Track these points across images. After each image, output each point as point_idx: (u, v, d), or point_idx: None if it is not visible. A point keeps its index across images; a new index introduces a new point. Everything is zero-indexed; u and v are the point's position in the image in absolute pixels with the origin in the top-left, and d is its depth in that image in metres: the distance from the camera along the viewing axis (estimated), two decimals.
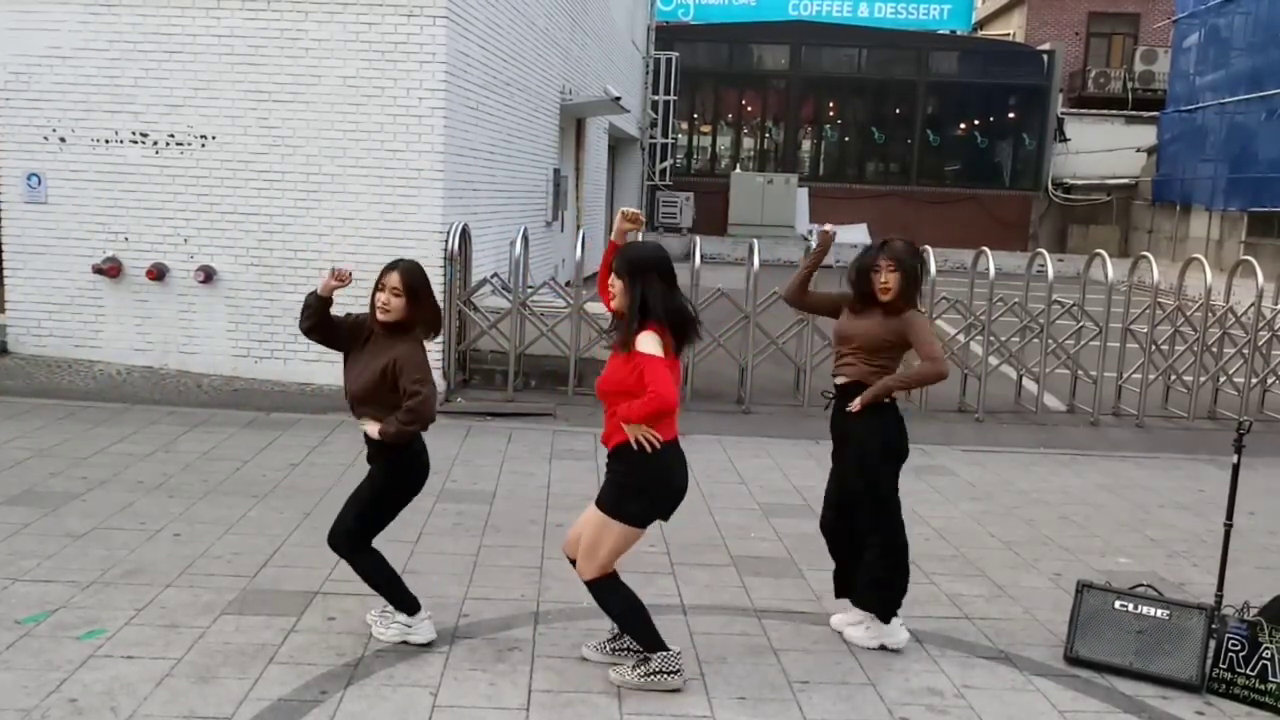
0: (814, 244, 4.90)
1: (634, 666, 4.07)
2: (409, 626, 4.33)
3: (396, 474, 4.22)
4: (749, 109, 29.64)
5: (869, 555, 4.53)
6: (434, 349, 9.14)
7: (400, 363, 4.06)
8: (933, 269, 9.60)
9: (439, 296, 9.00)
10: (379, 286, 4.13)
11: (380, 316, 4.12)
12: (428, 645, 4.30)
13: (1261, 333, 9.90)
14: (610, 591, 4.05)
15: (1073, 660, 4.44)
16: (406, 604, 4.33)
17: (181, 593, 4.74)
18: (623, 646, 4.22)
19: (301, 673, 4.04)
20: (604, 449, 4.03)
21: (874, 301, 4.48)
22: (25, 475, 6.34)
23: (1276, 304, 10.61)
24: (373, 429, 4.11)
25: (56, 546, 5.20)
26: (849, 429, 4.50)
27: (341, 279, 4.14)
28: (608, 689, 4.03)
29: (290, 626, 4.43)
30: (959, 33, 32.43)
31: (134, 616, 4.46)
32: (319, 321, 4.23)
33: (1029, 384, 9.81)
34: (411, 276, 4.12)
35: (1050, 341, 9.54)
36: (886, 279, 4.42)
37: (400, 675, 4.07)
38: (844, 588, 4.69)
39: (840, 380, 4.56)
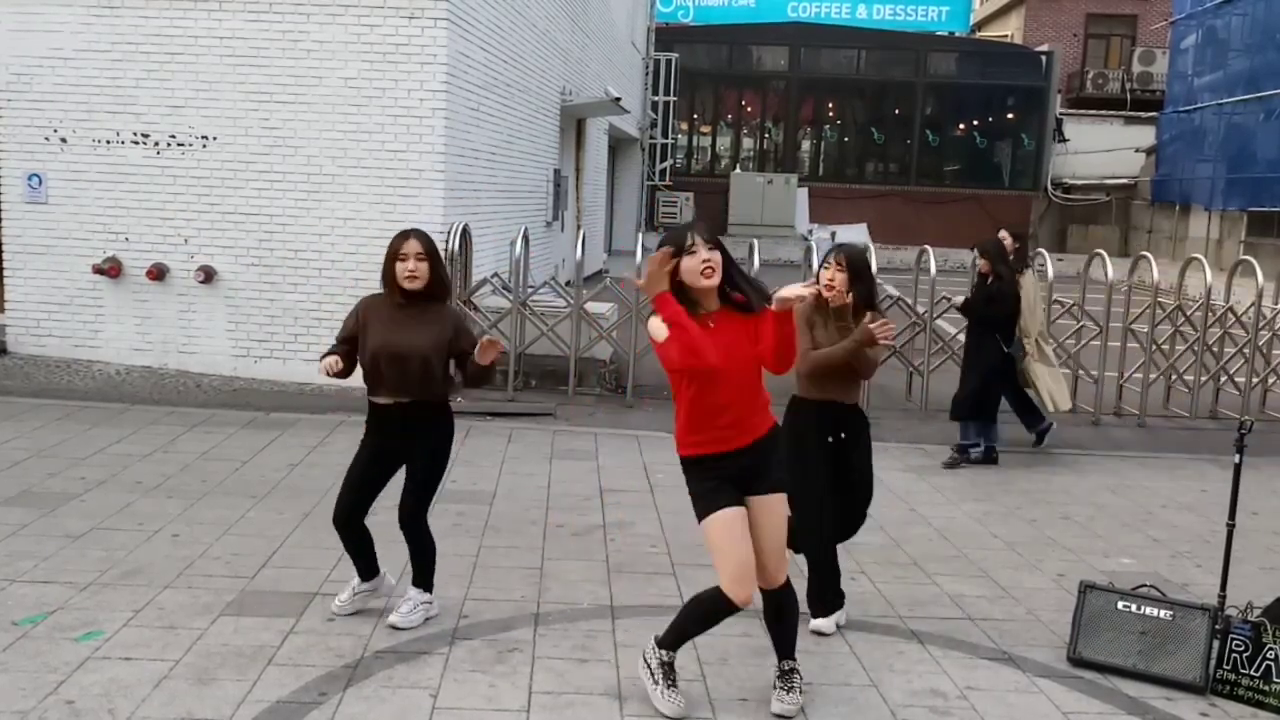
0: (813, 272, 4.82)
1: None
2: (430, 604, 4.56)
3: (452, 435, 4.53)
4: (749, 109, 29.65)
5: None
6: None
7: (460, 326, 4.42)
8: (933, 269, 9.59)
9: None
10: (399, 257, 4.28)
11: (410, 285, 4.28)
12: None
13: (1262, 332, 9.89)
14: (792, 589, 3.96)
15: (1076, 661, 4.42)
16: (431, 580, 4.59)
17: (180, 594, 4.72)
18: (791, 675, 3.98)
19: (300, 674, 4.02)
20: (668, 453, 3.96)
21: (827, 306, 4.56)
22: (24, 475, 6.32)
23: (1276, 303, 10.60)
24: (491, 353, 4.27)
25: (54, 547, 5.18)
26: (857, 452, 4.62)
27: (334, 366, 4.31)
28: (609, 690, 4.01)
29: (289, 628, 4.41)
30: (957, 34, 32.45)
31: (132, 618, 4.44)
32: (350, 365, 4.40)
33: None
34: (428, 240, 4.36)
35: (1051, 341, 9.51)
36: (833, 276, 4.54)
37: (400, 677, 4.05)
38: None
39: (849, 402, 4.60)
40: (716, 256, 3.69)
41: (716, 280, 3.69)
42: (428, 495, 4.47)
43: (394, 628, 4.43)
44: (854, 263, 4.57)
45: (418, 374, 4.29)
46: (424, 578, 4.55)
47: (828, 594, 4.69)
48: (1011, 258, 7.80)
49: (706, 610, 3.84)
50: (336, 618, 4.53)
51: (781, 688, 3.91)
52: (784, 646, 3.95)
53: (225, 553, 5.25)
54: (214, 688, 3.88)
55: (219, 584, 4.85)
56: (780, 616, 3.93)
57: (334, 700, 3.84)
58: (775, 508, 3.82)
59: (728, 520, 3.70)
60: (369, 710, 3.79)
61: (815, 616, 4.66)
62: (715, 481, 3.75)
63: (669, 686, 3.85)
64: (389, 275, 4.32)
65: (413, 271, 4.25)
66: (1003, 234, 8.05)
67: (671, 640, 3.90)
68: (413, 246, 4.27)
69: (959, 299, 7.93)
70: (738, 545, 3.70)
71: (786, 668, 3.94)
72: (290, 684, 3.94)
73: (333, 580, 4.93)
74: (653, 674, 3.88)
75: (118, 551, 5.17)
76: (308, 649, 4.24)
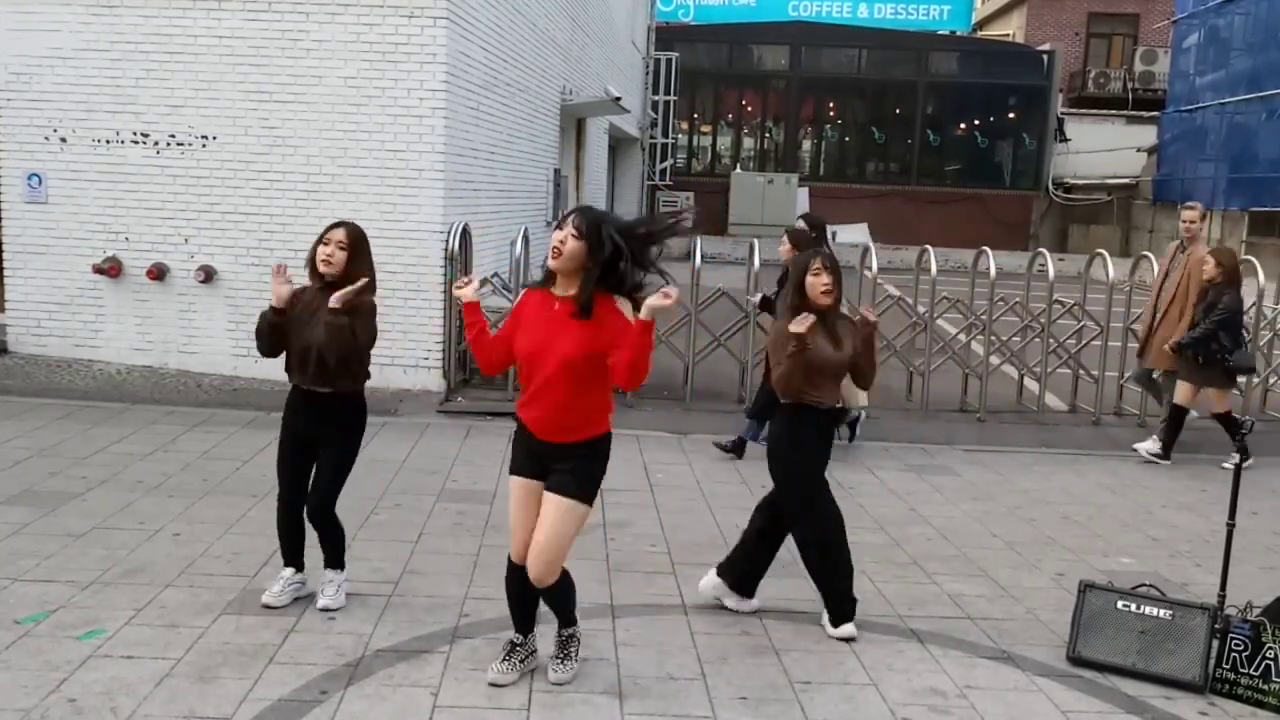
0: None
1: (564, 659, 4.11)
2: (346, 580, 4.68)
3: (361, 428, 4.56)
4: (749, 109, 29.65)
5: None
6: (434, 348, 9.14)
7: (361, 311, 4.32)
8: (934, 268, 9.59)
9: (439, 297, 9.07)
10: (323, 241, 4.28)
11: (323, 269, 4.29)
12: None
13: (1263, 332, 9.89)
14: (570, 588, 4.07)
15: (1075, 660, 4.43)
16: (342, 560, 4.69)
17: (181, 593, 4.73)
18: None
19: (301, 673, 4.03)
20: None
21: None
22: (25, 475, 6.33)
23: (1277, 304, 10.58)
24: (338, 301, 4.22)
25: (56, 546, 5.19)
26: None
27: (282, 273, 4.25)
28: (609, 689, 4.02)
29: (290, 626, 4.42)
30: (959, 33, 32.45)
31: (134, 616, 4.45)
32: (281, 333, 4.34)
33: (1030, 384, 9.79)
34: (355, 233, 4.35)
35: (1051, 341, 9.52)
36: (828, 280, 4.48)
37: (400, 675, 4.06)
38: None
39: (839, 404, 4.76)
40: (573, 245, 3.73)
41: (557, 264, 3.81)
42: (337, 485, 4.52)
43: (326, 610, 4.54)
44: (836, 261, 4.59)
45: (316, 364, 4.33)
46: (338, 559, 4.64)
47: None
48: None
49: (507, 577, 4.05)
50: (335, 616, 4.54)
51: (556, 656, 4.10)
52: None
53: (226, 551, 5.26)
54: (215, 686, 3.89)
55: (220, 583, 4.86)
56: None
57: (335, 698, 3.85)
58: (551, 506, 3.84)
59: (518, 489, 3.94)
60: (370, 708, 3.80)
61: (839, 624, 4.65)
62: (525, 448, 3.94)
63: (504, 662, 4.05)
64: (312, 258, 4.33)
65: (327, 257, 4.27)
66: (799, 223, 7.81)
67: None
68: (336, 234, 4.31)
69: (758, 296, 7.52)
70: (520, 513, 3.92)
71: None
72: (291, 682, 3.95)
73: None
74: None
75: (119, 550, 5.18)
76: (309, 647, 4.24)
